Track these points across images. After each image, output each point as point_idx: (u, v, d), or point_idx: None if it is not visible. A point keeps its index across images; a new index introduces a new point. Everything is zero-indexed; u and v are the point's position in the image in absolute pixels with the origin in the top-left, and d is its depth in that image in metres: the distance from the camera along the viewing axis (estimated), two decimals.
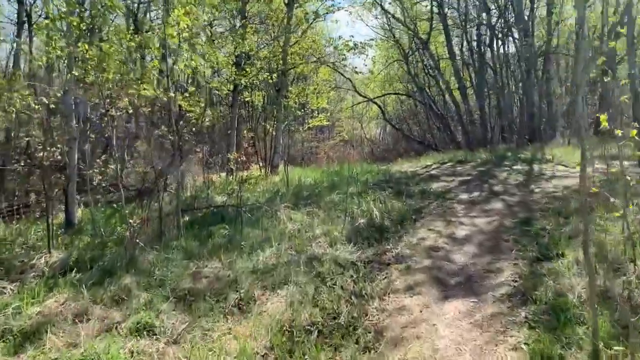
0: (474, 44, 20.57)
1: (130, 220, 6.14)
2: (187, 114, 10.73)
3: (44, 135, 7.61)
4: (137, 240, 5.82)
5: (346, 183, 10.37)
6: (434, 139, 20.06)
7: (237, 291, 4.87)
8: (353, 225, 7.21)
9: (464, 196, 9.05)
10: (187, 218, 8.46)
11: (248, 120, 16.31)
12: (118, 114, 7.88)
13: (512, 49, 20.31)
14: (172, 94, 7.68)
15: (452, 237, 6.57)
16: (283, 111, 14.20)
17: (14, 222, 8.60)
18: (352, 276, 5.23)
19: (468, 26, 19.97)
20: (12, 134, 13.62)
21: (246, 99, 16.12)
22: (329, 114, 34.64)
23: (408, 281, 5.16)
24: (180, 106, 12.78)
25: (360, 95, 20.52)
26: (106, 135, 10.82)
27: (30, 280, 5.28)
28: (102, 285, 5.01)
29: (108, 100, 7.96)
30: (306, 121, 31.99)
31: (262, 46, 13.09)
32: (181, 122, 11.56)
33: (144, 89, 7.74)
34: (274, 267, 5.56)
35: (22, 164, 11.09)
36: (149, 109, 9.44)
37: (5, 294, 4.90)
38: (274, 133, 13.91)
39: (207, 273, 5.42)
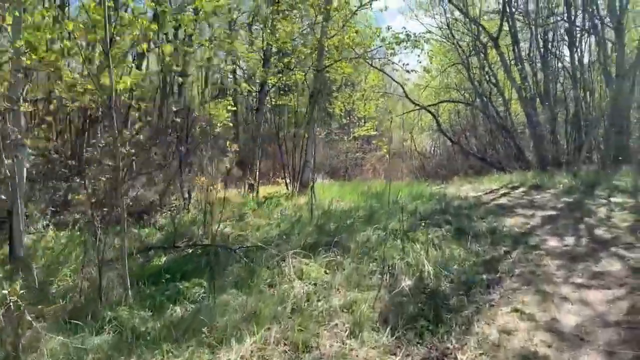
0: (549, 44, 17.57)
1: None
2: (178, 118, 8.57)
3: None
4: (28, 316, 3.52)
5: (387, 213, 7.89)
6: (497, 156, 17.14)
7: None
8: (393, 292, 4.75)
9: (555, 243, 6.37)
10: (162, 259, 6.24)
11: (277, 127, 14.15)
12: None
13: (593, 52, 17.19)
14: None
15: (555, 329, 3.97)
16: (320, 118, 11.86)
17: None
18: None
19: (540, 22, 16.97)
20: None
21: (278, 102, 13.99)
22: (376, 123, 32.22)
23: None
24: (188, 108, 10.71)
25: (412, 102, 17.89)
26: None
27: None
28: None
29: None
30: (352, 130, 29.58)
31: (295, 37, 10.82)
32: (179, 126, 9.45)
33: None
34: None
35: None
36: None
37: None
38: (306, 143, 11.59)
39: None
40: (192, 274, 5.34)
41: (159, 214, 9.22)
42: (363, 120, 28.40)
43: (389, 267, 5.31)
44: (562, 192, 9.86)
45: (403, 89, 17.44)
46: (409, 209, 8.38)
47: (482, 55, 18.47)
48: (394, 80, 17.29)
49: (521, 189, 10.79)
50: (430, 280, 5.05)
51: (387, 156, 32.90)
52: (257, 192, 11.14)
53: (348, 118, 28.42)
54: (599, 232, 6.72)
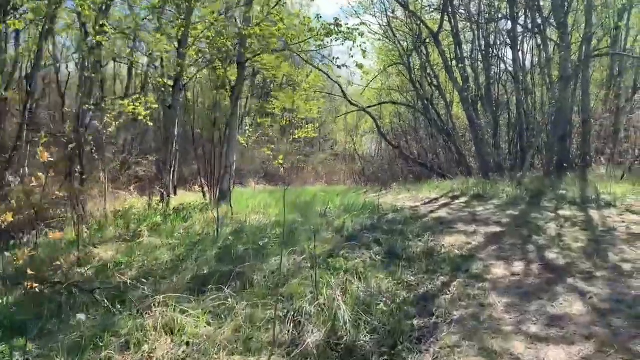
0: (492, 45, 16.97)
1: None
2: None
3: None
4: None
5: (310, 230, 6.64)
6: (438, 161, 16.32)
7: None
8: (293, 354, 3.50)
9: (502, 270, 5.31)
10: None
11: (192, 127, 12.61)
12: None
13: (536, 54, 16.73)
14: None
15: None
16: (240, 117, 10.51)
17: None
18: None
19: (482, 21, 16.31)
20: None
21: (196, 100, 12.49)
22: (318, 125, 31.04)
23: None
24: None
25: (351, 102, 16.82)
26: None
27: None
28: None
29: None
30: (290, 132, 28.31)
31: (213, 24, 9.37)
32: None
33: None
34: None
35: None
36: None
37: None
38: (227, 146, 10.21)
39: None
40: (22, 328, 3.88)
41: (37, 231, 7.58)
42: (304, 122, 27.24)
43: (294, 313, 4.05)
44: (507, 203, 8.95)
45: (340, 87, 16.35)
46: (336, 225, 7.18)
47: (424, 55, 17.68)
48: (329, 77, 16.14)
49: (462, 199, 9.84)
50: (346, 331, 3.83)
51: (331, 158, 31.85)
52: (168, 202, 9.64)
53: (288, 119, 27.23)
54: (551, 255, 5.72)
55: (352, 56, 10.62)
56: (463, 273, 5.23)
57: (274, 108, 26.54)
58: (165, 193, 9.87)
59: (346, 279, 4.77)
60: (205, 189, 10.05)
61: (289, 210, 8.91)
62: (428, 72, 18.70)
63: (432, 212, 8.57)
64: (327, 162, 33.13)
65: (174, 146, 10.58)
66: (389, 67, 18.44)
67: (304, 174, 31.49)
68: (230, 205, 9.40)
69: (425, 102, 16.80)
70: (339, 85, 16.44)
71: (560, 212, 7.98)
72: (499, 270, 5.32)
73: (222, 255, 5.90)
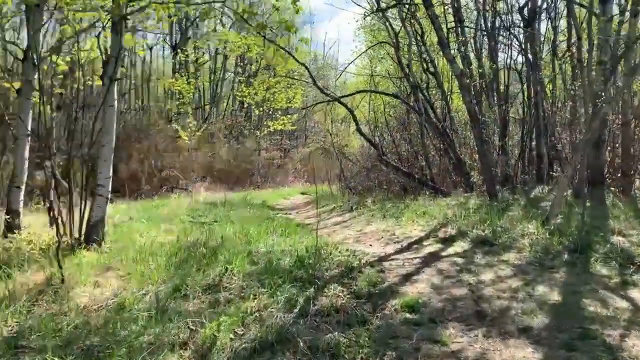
0: (501, 21, 13.36)
1: None
2: None
3: None
4: None
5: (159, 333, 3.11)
6: (430, 170, 12.62)
7: None
8: None
9: None
10: None
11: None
12: None
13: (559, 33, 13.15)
14: None
15: None
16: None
17: None
18: None
19: None
20: None
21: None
22: (294, 117, 27.27)
23: None
24: None
25: (322, 91, 13.18)
26: None
27: None
28: None
29: None
30: (264, 123, 24.54)
31: None
32: None
33: None
34: None
35: None
36: None
37: None
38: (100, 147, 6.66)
39: None
40: None
41: None
42: (279, 113, 23.53)
43: None
44: (532, 264, 5.40)
45: (309, 72, 12.74)
46: (201, 341, 3.61)
47: (417, 33, 13.99)
48: (295, 59, 12.44)
49: (459, 247, 6.26)
50: None
51: (318, 152, 27.85)
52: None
53: (262, 110, 23.46)
54: None
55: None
56: None
57: (245, 96, 22.97)
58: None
59: None
60: (63, 213, 6.39)
61: (175, 264, 5.40)
62: (424, 56, 15.07)
63: (406, 280, 5.01)
64: (316, 157, 28.52)
65: (26, 146, 7.02)
66: (371, 46, 14.76)
67: (282, 171, 27.82)
68: (101, 249, 5.97)
69: (415, 90, 13.09)
70: (306, 68, 12.81)
71: (634, 293, 4.47)
72: None
73: None
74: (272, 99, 22.53)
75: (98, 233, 6.41)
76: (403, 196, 11.40)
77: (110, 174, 6.64)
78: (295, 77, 17.16)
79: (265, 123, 23.93)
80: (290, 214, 11.77)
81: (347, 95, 14.73)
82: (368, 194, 13.00)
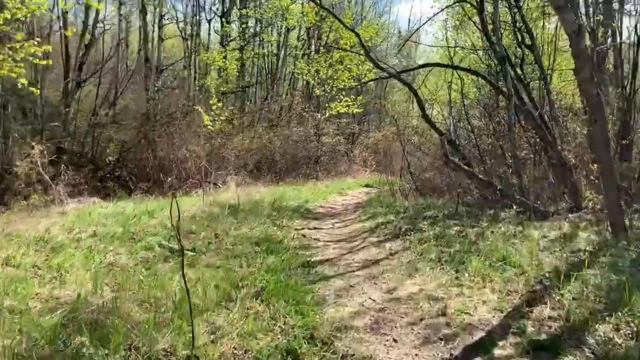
0: None
1: None
2: None
3: None
4: None
5: None
6: (519, 177, 8.80)
7: None
8: None
9: None
10: None
11: None
12: None
13: None
14: None
15: None
16: None
17: None
18: None
19: None
20: None
21: None
22: (372, 99, 23.91)
23: None
24: None
25: (377, 65, 9.97)
26: None
27: None
28: None
29: None
30: (325, 106, 21.60)
31: None
32: None
33: None
34: None
35: None
36: None
37: None
38: None
39: None
40: None
41: None
42: (343, 94, 20.46)
43: None
44: None
45: (361, 41, 9.63)
46: None
47: None
48: (343, 25, 9.38)
49: None
50: None
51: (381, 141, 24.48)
52: None
53: (324, 90, 20.53)
54: None
55: None
56: None
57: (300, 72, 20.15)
58: None
59: None
60: None
61: None
62: (517, 23, 11.39)
63: None
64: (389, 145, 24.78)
65: None
66: (448, 6, 11.31)
67: (347, 160, 24.78)
68: None
69: (503, 63, 9.48)
70: (357, 35, 9.74)
71: None
72: None
73: None
74: (334, 77, 19.62)
75: None
76: (480, 212, 8.09)
77: None
78: (354, 51, 14.01)
79: (327, 105, 21.06)
80: (321, 227, 8.92)
81: (408, 70, 11.55)
82: (435, 196, 9.86)
